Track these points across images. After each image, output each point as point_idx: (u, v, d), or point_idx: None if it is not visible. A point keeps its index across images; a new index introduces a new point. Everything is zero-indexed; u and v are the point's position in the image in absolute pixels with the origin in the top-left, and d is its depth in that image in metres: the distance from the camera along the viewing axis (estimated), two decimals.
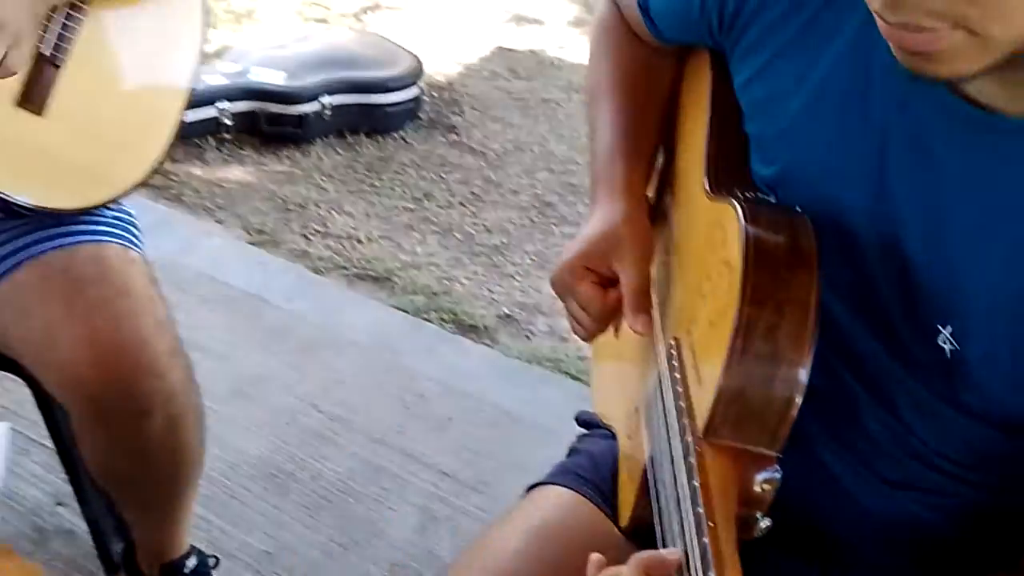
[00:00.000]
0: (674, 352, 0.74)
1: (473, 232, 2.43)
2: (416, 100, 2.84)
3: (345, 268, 2.22)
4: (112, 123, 1.11)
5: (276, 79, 2.60)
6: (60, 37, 1.04)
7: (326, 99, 2.65)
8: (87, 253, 1.06)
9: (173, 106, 1.16)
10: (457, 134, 2.85)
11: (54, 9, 1.04)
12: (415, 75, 2.81)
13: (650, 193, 0.92)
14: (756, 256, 0.64)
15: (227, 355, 1.83)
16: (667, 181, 0.93)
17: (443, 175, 2.65)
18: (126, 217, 1.17)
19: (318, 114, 2.65)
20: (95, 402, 1.03)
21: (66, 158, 1.08)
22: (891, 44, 0.61)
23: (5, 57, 0.94)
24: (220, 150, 2.55)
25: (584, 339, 0.89)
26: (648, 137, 0.90)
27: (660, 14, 0.86)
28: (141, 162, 1.13)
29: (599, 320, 0.84)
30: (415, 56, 2.89)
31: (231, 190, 2.44)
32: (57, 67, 1.05)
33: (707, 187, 0.76)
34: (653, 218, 0.88)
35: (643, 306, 0.81)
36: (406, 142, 2.77)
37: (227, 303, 1.99)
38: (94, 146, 1.10)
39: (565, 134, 2.95)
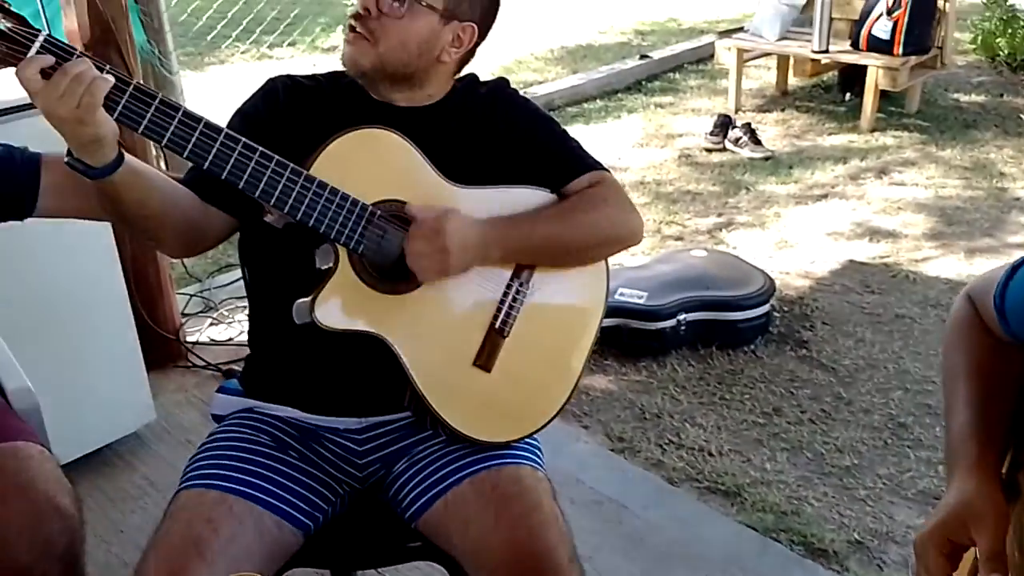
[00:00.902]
0: None
1: (823, 451, 2.48)
2: (767, 316, 3.01)
3: (697, 480, 2.37)
4: (540, 372, 1.44)
5: (639, 299, 2.92)
6: (507, 314, 1.39)
7: (682, 316, 2.91)
8: (509, 473, 1.34)
9: (584, 350, 1.49)
10: (807, 349, 2.95)
11: (506, 292, 1.39)
12: (767, 294, 2.99)
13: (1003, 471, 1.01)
14: None
15: (591, 556, 2.03)
16: (1019, 462, 1.01)
17: (793, 390, 2.76)
18: (533, 442, 1.46)
19: (674, 329, 2.91)
20: None
21: (505, 404, 1.40)
22: None
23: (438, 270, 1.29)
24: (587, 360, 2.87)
25: None
26: (1000, 421, 1.01)
27: (1014, 315, 0.98)
28: (558, 400, 1.45)
29: None
30: (767, 275, 3.08)
31: (596, 398, 2.73)
32: (504, 337, 1.39)
33: None
34: (1006, 495, 0.97)
35: (999, 570, 0.91)
36: (756, 356, 2.92)
37: (591, 506, 2.22)
38: (525, 392, 1.42)
39: (921, 352, 2.93)
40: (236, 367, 2.80)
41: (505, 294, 1.39)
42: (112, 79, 1.12)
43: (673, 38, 7.00)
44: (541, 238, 1.40)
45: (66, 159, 1.18)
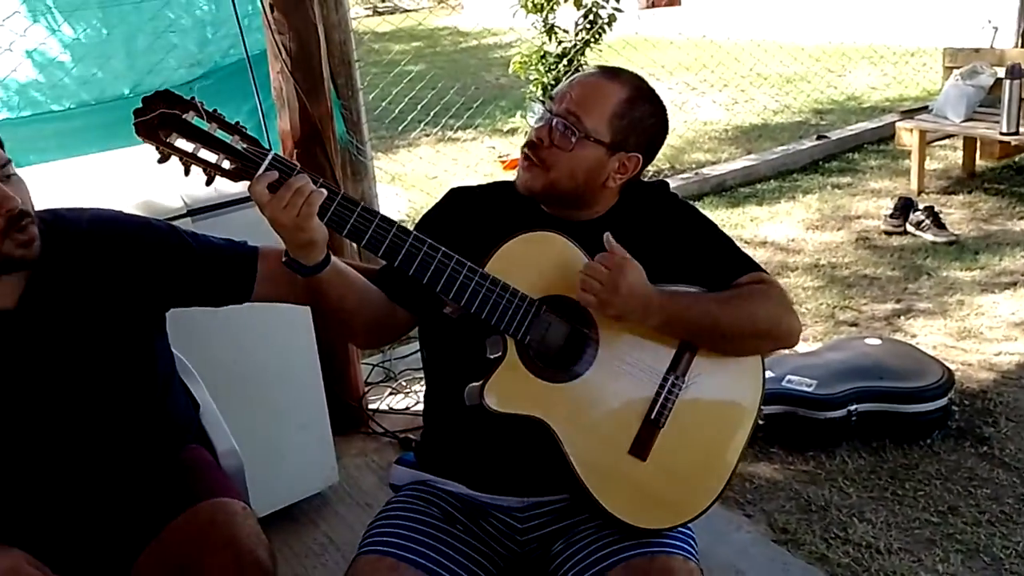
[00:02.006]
0: None
1: (1002, 556, 2.35)
2: (945, 409, 2.90)
3: None
4: (694, 464, 1.50)
5: (807, 387, 2.89)
6: (663, 406, 1.47)
7: (853, 407, 2.85)
8: (661, 563, 1.40)
9: (739, 445, 1.53)
10: (989, 446, 2.81)
11: (662, 384, 1.47)
12: (945, 386, 2.88)
13: None
14: None
15: None
16: None
17: (971, 489, 2.63)
18: (687, 531, 1.51)
19: (844, 420, 2.85)
20: None
21: (659, 492, 1.47)
22: None
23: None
24: (751, 447, 2.86)
25: None
26: None
27: None
28: (712, 492, 1.50)
29: None
30: (946, 367, 2.97)
31: (760, 486, 2.71)
32: (660, 428, 1.47)
33: None
34: None
35: None
36: (933, 451, 2.81)
37: None
38: (679, 482, 1.49)
39: None
40: (412, 435, 2.99)
41: (661, 386, 1.48)
42: (325, 192, 1.31)
43: (853, 117, 6.89)
44: (700, 315, 1.48)
45: (283, 259, 1.38)
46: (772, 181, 5.62)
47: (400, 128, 6.68)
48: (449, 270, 1.37)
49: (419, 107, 6.42)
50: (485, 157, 6.77)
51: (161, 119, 1.26)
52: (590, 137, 1.48)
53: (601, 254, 1.41)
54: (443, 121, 6.71)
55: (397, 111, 6.15)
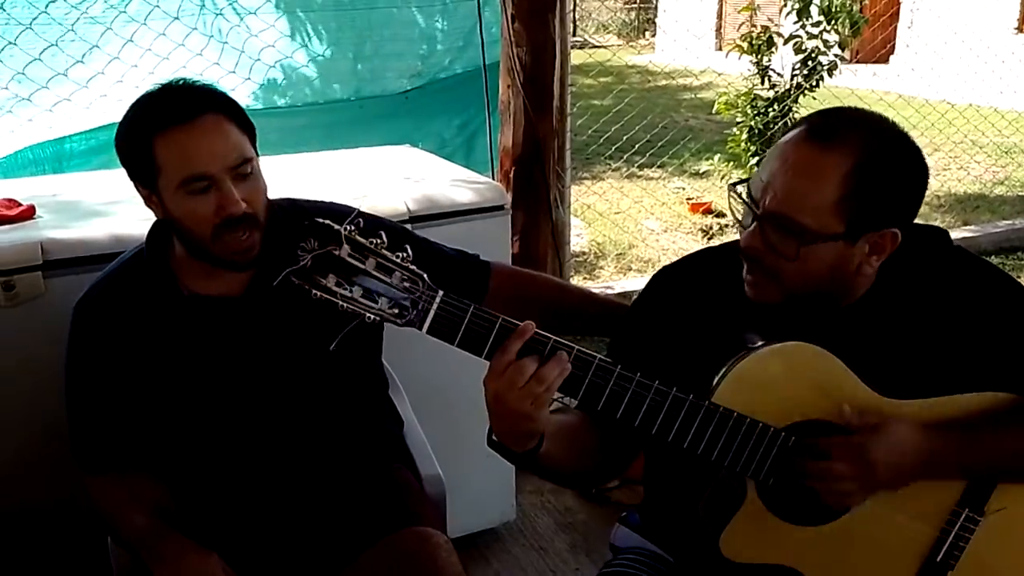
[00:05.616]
0: None
1: None
2: None
3: None
4: None
5: None
6: (953, 545, 1.20)
7: None
8: None
9: None
10: None
11: (950, 523, 1.21)
12: None
13: None
14: None
15: None
16: None
17: None
18: None
19: None
20: None
21: None
22: None
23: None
24: None
25: None
26: None
27: None
28: None
29: None
30: None
31: None
32: (947, 572, 1.21)
33: None
34: None
35: None
36: None
37: None
38: None
39: None
40: None
41: (950, 523, 1.21)
42: (569, 366, 1.05)
43: None
44: (1002, 457, 1.18)
45: (488, 441, 1.14)
46: (993, 257, 5.14)
47: (585, 160, 6.58)
48: (665, 410, 1.09)
49: (610, 142, 6.30)
50: (672, 197, 6.56)
51: (314, 263, 0.99)
52: (817, 238, 1.12)
53: (834, 440, 1.13)
54: (634, 160, 6.56)
55: (595, 145, 6.05)
